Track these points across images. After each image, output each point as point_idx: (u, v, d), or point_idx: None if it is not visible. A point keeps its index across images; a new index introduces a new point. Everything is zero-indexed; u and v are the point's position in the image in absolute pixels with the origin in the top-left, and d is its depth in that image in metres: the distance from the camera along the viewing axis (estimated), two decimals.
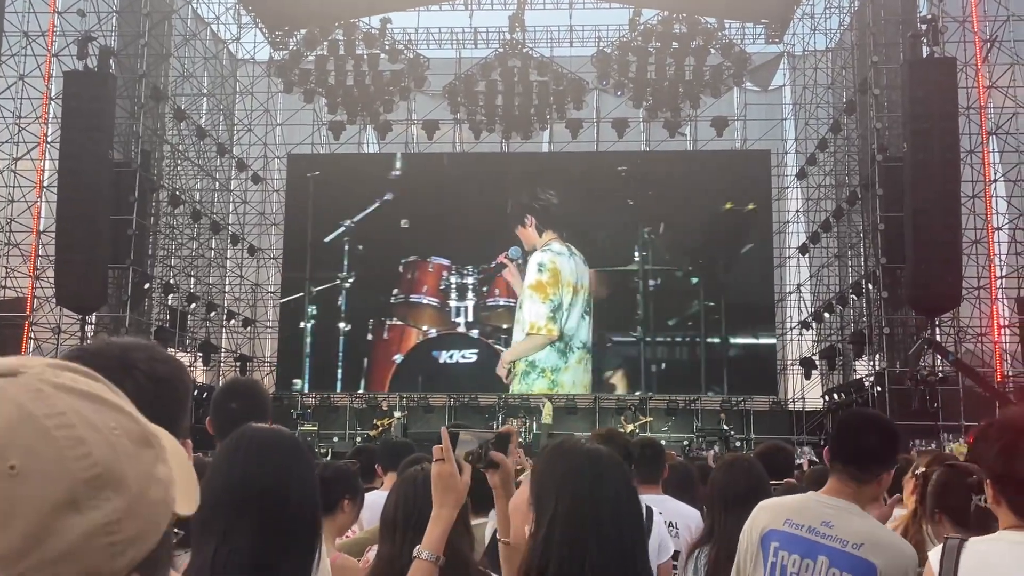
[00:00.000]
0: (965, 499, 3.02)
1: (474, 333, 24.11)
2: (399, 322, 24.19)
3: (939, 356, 18.93)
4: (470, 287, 24.10)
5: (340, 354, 24.40)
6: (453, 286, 24.17)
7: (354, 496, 3.81)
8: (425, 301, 24.22)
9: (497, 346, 23.91)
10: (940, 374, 18.96)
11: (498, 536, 2.46)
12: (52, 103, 21.98)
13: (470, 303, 24.07)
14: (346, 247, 24.53)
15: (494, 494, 2.44)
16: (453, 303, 24.16)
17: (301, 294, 24.69)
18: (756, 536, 3.01)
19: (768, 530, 2.98)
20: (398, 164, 25.53)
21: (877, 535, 2.90)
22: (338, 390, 24.70)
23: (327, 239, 24.60)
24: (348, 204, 24.73)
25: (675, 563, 4.41)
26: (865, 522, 2.95)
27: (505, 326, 23.93)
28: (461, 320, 24.14)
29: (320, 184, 25.21)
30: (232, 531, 1.81)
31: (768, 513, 3.04)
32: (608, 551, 2.00)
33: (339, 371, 24.45)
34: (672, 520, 4.58)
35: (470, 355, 24.08)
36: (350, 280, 24.48)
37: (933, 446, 15.56)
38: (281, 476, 1.89)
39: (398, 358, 24.09)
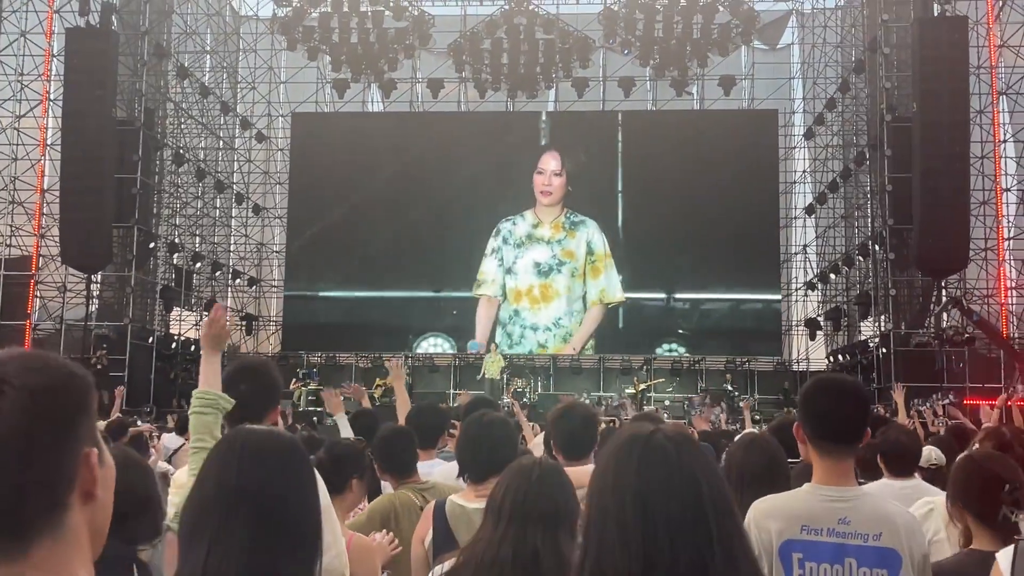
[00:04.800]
0: (992, 502, 2.91)
1: None
2: None
3: (963, 316, 18.92)
4: None
5: None
6: None
7: (362, 475, 3.78)
8: None
9: None
10: (966, 334, 18.99)
11: None
12: (54, 60, 21.82)
13: None
14: None
15: None
16: None
17: None
18: (772, 547, 2.81)
19: (785, 540, 2.80)
20: None
21: (888, 517, 2.80)
22: None
23: None
24: None
25: None
26: (874, 505, 2.85)
27: None
28: None
29: None
30: (224, 534, 1.72)
31: (778, 521, 2.83)
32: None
33: None
34: None
35: None
36: None
37: (927, 404, 15.52)
38: (277, 480, 1.79)
39: None
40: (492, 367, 20.96)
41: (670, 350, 23.97)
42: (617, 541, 1.65)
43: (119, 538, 2.65)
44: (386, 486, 4.45)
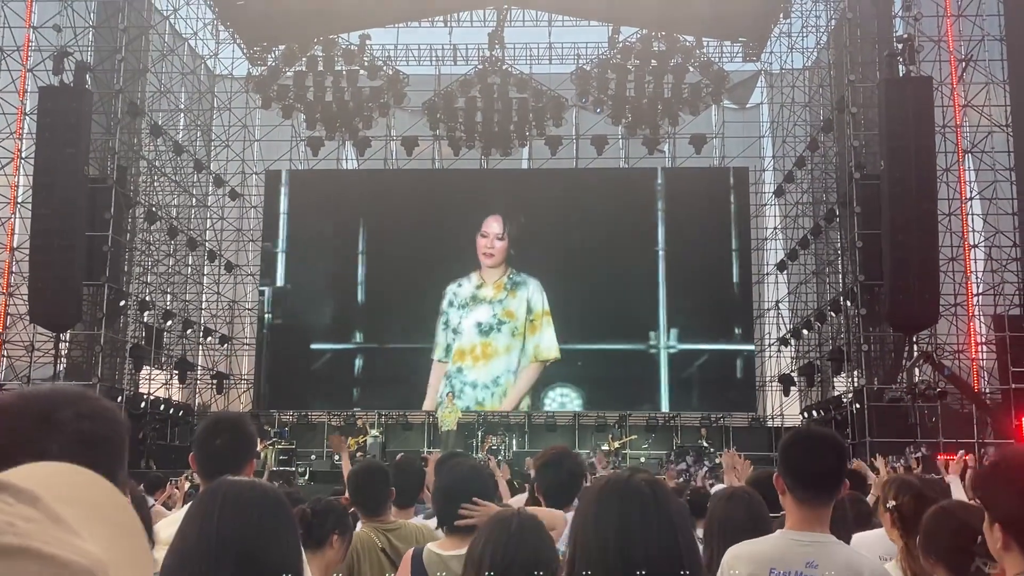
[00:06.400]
0: (963, 553, 2.93)
1: None
2: None
3: (935, 371, 19.03)
4: None
5: None
6: None
7: (343, 531, 3.71)
8: None
9: None
10: (938, 389, 19.08)
11: None
12: (27, 118, 21.75)
13: None
14: None
15: None
16: None
17: None
18: None
19: None
20: None
21: (856, 564, 2.86)
22: None
23: None
24: None
25: None
26: (843, 551, 2.91)
27: None
28: None
29: None
30: None
31: (748, 565, 2.91)
32: None
33: None
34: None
35: None
36: None
37: (901, 461, 15.57)
38: (259, 534, 1.79)
39: None
40: (448, 418, 20.68)
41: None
42: (601, 565, 1.86)
43: None
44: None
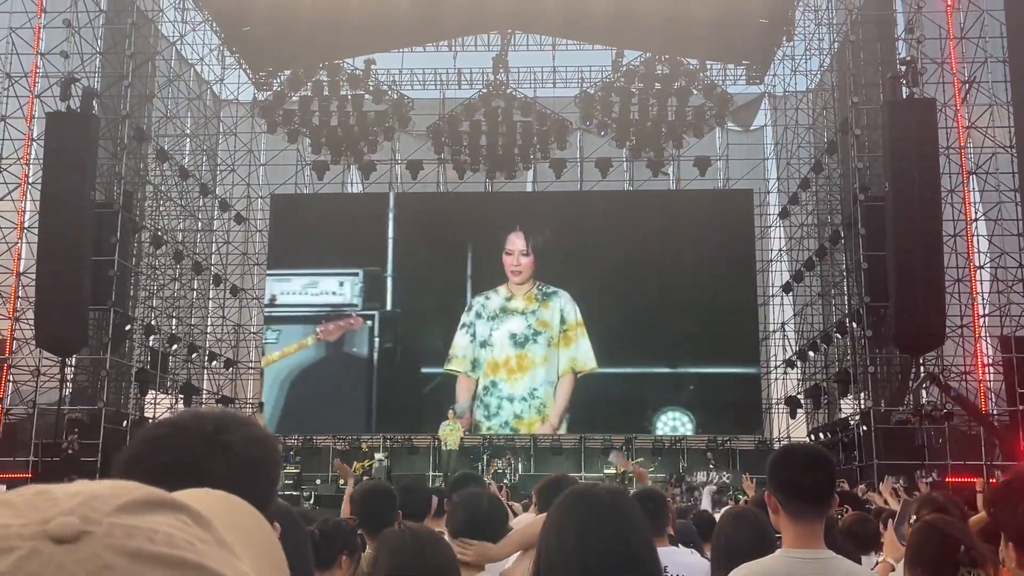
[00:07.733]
0: (948, 564, 2.94)
1: None
2: None
3: (941, 392, 18.94)
4: None
5: None
6: None
7: (352, 552, 3.71)
8: None
9: None
10: (944, 410, 18.99)
11: None
12: (34, 144, 21.87)
13: None
14: None
15: None
16: None
17: None
18: None
19: None
20: None
21: None
22: None
23: None
24: None
25: None
26: (845, 566, 2.91)
27: None
28: None
29: None
30: None
31: None
32: None
33: None
34: (679, 573, 4.50)
35: None
36: None
37: (901, 481, 15.47)
38: None
39: None
40: (451, 436, 20.42)
41: None
42: (561, 570, 2.07)
43: None
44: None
